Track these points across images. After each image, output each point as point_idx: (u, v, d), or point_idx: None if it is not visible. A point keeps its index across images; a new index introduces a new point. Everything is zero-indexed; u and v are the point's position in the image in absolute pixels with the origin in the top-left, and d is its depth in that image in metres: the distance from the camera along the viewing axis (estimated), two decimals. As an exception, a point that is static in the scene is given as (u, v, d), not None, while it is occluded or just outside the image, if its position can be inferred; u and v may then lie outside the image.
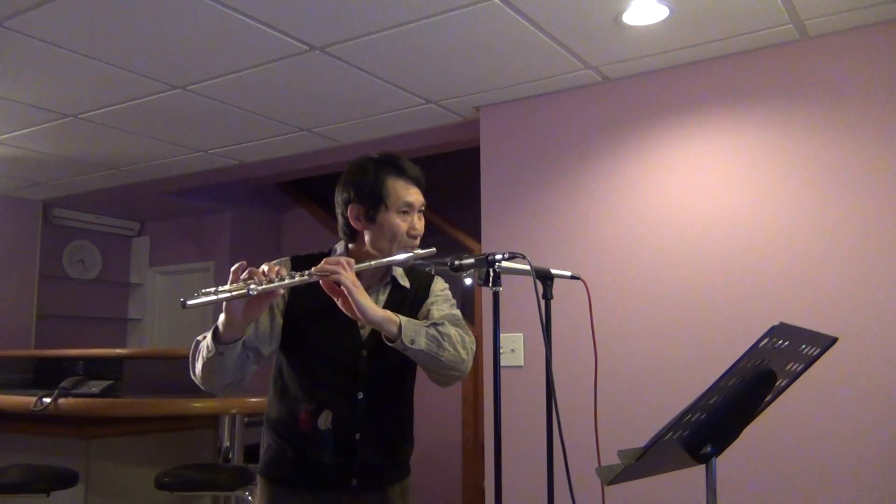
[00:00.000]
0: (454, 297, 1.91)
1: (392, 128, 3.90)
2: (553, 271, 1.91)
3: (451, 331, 1.70)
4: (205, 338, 1.62)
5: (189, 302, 1.40)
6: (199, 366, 1.64)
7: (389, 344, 1.62)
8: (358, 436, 1.73)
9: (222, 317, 1.56)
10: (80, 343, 5.53)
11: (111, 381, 3.61)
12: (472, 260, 1.71)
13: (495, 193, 3.50)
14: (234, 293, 1.46)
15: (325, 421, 1.72)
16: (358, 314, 1.58)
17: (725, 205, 2.94)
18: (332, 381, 1.74)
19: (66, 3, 2.52)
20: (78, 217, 6.05)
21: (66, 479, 3.25)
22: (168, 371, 3.97)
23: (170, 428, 3.94)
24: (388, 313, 1.62)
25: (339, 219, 1.82)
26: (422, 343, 1.63)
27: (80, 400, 3.43)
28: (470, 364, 1.74)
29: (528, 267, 1.73)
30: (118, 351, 4.58)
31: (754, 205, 2.88)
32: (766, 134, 2.89)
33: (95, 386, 3.55)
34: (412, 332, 1.62)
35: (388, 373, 1.78)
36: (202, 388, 1.70)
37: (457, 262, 1.71)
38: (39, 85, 3.31)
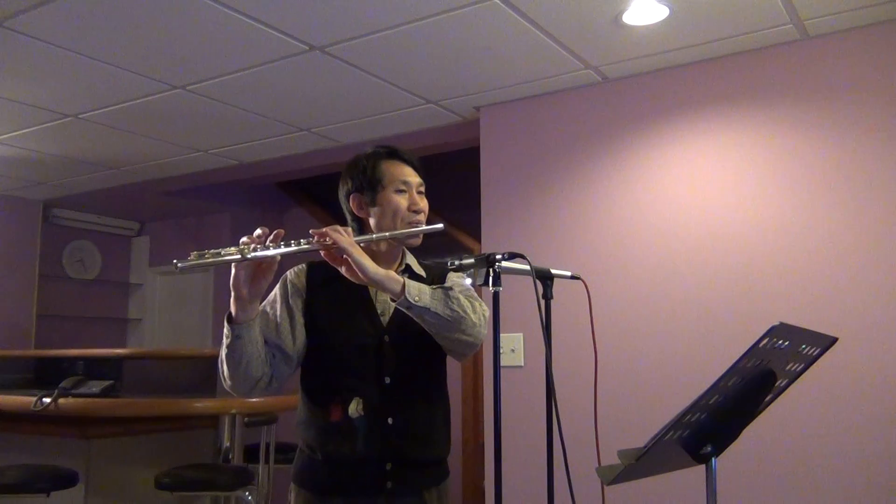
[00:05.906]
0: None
1: (392, 128, 3.90)
2: (553, 271, 1.91)
3: (458, 294, 1.67)
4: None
5: (181, 265, 1.42)
6: (226, 366, 1.64)
7: (393, 302, 1.61)
8: (391, 420, 1.72)
9: (232, 295, 1.57)
10: (80, 343, 5.53)
11: (111, 381, 3.61)
12: (472, 260, 1.71)
13: (495, 193, 3.50)
14: (227, 257, 1.48)
15: (356, 409, 1.70)
16: (359, 274, 1.57)
17: (725, 204, 2.94)
18: (357, 368, 1.73)
19: (66, 3, 2.52)
20: (78, 217, 6.04)
21: (66, 479, 3.24)
22: (168, 371, 3.97)
23: (170, 428, 3.94)
24: (390, 272, 1.61)
25: (346, 215, 1.86)
26: (426, 300, 1.59)
27: (80, 400, 3.42)
28: (484, 331, 1.70)
29: (528, 267, 1.73)
30: (118, 351, 4.58)
31: (754, 204, 2.88)
32: (766, 134, 2.89)
33: (95, 386, 3.55)
34: (416, 290, 1.59)
35: (413, 357, 1.77)
36: (235, 393, 1.69)
37: (457, 262, 1.72)
38: (39, 85, 3.31)
